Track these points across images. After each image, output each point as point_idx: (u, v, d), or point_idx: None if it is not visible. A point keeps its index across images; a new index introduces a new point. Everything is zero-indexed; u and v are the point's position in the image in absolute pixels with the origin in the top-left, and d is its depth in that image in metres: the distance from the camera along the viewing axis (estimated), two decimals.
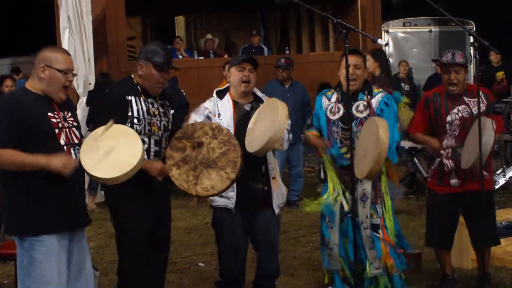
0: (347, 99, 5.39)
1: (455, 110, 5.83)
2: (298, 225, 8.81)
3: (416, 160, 10.43)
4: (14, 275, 5.44)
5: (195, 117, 5.53)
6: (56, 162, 4.24)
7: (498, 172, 9.51)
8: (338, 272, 5.80)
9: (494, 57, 14.02)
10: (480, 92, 5.84)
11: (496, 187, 9.19)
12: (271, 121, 5.15)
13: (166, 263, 5.49)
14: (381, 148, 5.01)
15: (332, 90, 5.83)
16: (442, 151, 5.83)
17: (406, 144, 10.01)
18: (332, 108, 5.72)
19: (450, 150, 5.80)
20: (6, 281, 6.76)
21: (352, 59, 5.50)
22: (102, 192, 9.16)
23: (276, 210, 5.58)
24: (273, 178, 5.56)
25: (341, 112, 5.66)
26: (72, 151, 4.44)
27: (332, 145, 5.67)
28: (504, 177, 9.59)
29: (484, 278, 5.95)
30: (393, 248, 5.65)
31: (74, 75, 4.53)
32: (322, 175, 9.80)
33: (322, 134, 5.77)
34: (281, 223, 8.65)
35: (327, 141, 5.69)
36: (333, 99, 5.75)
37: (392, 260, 5.61)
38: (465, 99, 5.83)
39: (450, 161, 5.81)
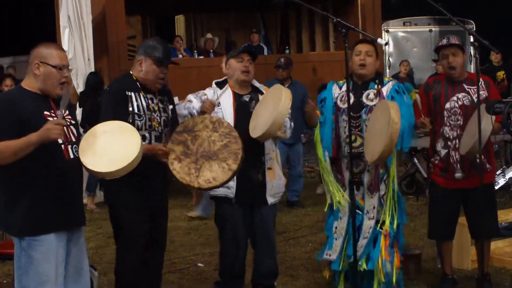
0: (347, 88, 5.31)
1: (455, 98, 5.82)
2: (298, 226, 8.81)
3: (415, 160, 10.42)
4: (13, 275, 5.42)
5: (191, 97, 5.57)
6: (43, 134, 4.15)
7: (498, 173, 9.49)
8: (338, 271, 5.79)
9: (494, 57, 14.02)
10: (480, 79, 5.85)
11: (496, 187, 9.16)
12: (274, 104, 5.20)
13: (162, 262, 5.48)
14: (393, 128, 4.96)
15: (344, 80, 5.81)
16: (449, 142, 5.81)
17: None
18: (342, 96, 5.70)
19: (457, 141, 5.78)
20: (5, 281, 6.76)
21: (364, 47, 5.59)
22: (102, 192, 9.15)
23: (270, 200, 5.58)
24: (269, 168, 5.57)
25: (351, 101, 5.63)
26: (70, 149, 4.42)
27: (340, 134, 5.66)
28: (504, 178, 9.57)
29: (484, 279, 5.93)
30: (392, 245, 5.63)
31: (69, 70, 4.50)
32: None
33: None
34: (281, 224, 8.72)
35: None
36: (344, 88, 5.73)
37: (389, 257, 5.60)
38: (465, 86, 5.82)
39: (456, 152, 5.79)
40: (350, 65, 5.69)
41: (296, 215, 9.43)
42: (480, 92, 5.74)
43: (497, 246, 6.50)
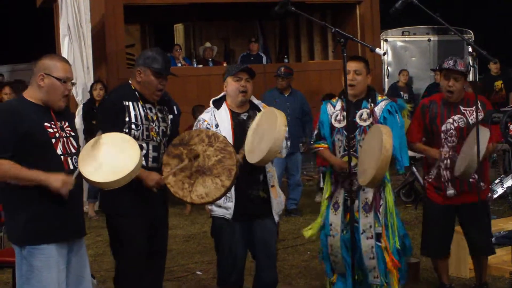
0: (348, 107, 5.36)
1: (450, 120, 5.83)
2: (297, 234, 8.80)
3: (414, 169, 10.43)
4: (12, 283, 5.43)
5: None
6: (55, 181, 4.24)
7: (496, 182, 9.51)
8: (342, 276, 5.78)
9: (494, 67, 14.03)
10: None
11: (494, 196, 9.18)
12: (270, 131, 5.14)
13: (163, 271, 5.48)
14: (384, 155, 4.98)
15: (337, 98, 5.81)
16: (440, 162, 5.83)
17: None
18: (337, 116, 5.70)
19: (448, 161, 5.80)
20: None
21: (353, 65, 5.51)
22: None
23: (276, 218, 5.57)
24: (272, 186, 5.55)
25: (345, 121, 5.63)
26: (70, 161, 4.44)
27: (335, 153, 5.66)
28: (502, 187, 9.57)
29: None
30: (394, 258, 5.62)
31: (73, 84, 4.51)
32: (322, 184, 9.80)
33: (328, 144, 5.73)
34: (280, 232, 8.71)
35: (343, 161, 5.59)
36: (338, 106, 5.72)
37: (395, 271, 5.58)
38: (461, 108, 5.83)
39: (447, 171, 5.81)
40: (341, 82, 5.69)
41: (294, 223, 9.44)
42: (477, 114, 5.75)
43: (495, 254, 6.50)
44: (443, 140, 5.83)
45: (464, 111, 5.81)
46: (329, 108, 5.77)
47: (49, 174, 4.25)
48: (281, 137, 5.10)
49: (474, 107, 5.77)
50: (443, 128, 5.83)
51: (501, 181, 9.68)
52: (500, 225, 7.18)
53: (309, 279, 6.79)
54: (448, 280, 6.12)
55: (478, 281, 6.04)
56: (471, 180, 5.72)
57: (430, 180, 5.97)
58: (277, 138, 5.07)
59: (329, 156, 5.69)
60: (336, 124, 5.67)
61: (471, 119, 5.72)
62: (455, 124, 5.81)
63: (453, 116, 5.83)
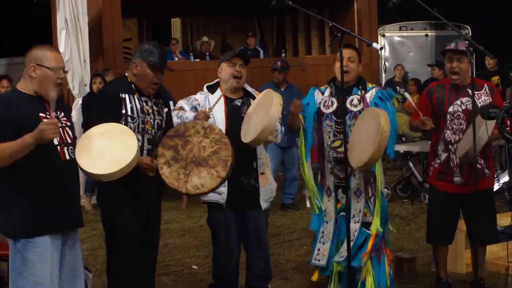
0: (341, 92, 5.33)
1: (458, 102, 5.81)
2: (293, 228, 8.81)
3: (411, 164, 10.44)
4: (6, 276, 5.42)
5: (182, 104, 5.55)
6: (38, 135, 4.14)
7: None
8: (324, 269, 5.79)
9: (490, 62, 14.03)
10: (485, 85, 5.87)
11: None
12: (265, 110, 5.18)
13: (155, 264, 5.49)
14: (382, 137, 4.97)
15: (326, 85, 5.82)
16: (450, 146, 5.81)
17: (401, 148, 10.02)
18: (326, 102, 5.70)
19: (458, 144, 5.77)
20: None
21: (346, 52, 5.51)
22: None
23: (263, 205, 5.57)
24: (262, 173, 5.56)
25: (334, 106, 5.64)
26: (66, 151, 4.43)
27: (324, 139, 5.65)
28: (498, 182, 9.56)
29: (478, 283, 5.95)
30: (380, 245, 5.63)
31: (65, 72, 4.50)
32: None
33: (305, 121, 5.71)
34: (275, 226, 8.73)
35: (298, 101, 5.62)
36: (327, 93, 5.74)
37: (377, 256, 5.60)
38: (469, 91, 5.81)
39: (457, 157, 5.80)
40: (333, 70, 5.70)
41: (290, 218, 9.43)
42: (484, 98, 5.77)
43: (491, 250, 6.50)
44: (448, 121, 5.82)
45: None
46: (317, 93, 5.78)
47: (31, 133, 4.15)
48: (276, 115, 5.13)
49: (482, 90, 5.80)
50: (450, 109, 5.82)
51: (497, 176, 9.68)
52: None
53: (305, 274, 6.78)
54: (446, 275, 6.12)
55: (474, 276, 6.02)
56: (478, 166, 5.70)
57: (436, 165, 5.95)
58: (272, 116, 5.10)
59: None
60: (325, 110, 5.68)
61: (479, 102, 5.71)
62: (463, 107, 5.79)
63: (461, 98, 5.81)
